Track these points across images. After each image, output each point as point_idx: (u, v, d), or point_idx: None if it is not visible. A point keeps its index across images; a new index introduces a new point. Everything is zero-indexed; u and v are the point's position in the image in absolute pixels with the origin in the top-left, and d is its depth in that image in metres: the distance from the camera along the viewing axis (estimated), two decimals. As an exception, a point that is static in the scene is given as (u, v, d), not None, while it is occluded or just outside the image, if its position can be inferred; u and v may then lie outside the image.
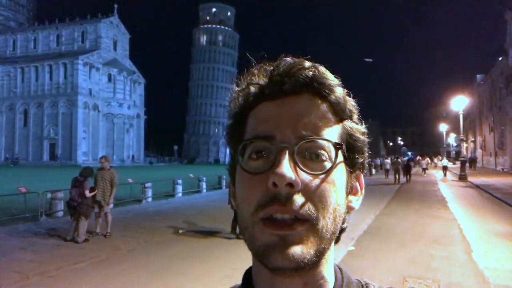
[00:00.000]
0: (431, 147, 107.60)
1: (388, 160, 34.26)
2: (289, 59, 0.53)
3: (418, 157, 55.77)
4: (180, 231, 9.24)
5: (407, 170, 25.68)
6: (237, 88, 0.55)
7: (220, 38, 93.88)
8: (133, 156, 69.30)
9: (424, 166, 37.03)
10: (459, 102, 29.56)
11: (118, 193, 13.98)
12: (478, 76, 54.86)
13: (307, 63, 0.52)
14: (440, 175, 32.31)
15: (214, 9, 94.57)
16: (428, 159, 45.80)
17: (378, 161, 43.97)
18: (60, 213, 10.85)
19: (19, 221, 9.64)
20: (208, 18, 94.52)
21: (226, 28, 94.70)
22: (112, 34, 69.89)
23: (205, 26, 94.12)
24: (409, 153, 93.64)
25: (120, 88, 69.05)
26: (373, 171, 33.94)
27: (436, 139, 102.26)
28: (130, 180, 14.03)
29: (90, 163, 55.40)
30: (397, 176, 25.22)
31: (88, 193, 8.06)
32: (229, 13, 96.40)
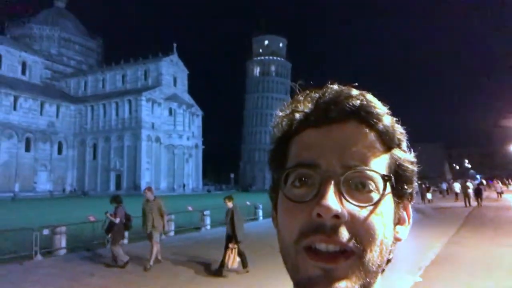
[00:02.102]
0: (502, 169, 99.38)
1: (458, 184, 32.93)
2: (335, 86, 0.52)
3: (491, 181, 51.86)
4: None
5: (477, 194, 25.23)
6: (281, 114, 0.55)
7: (272, 68, 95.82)
8: (184, 185, 71.10)
9: (499, 190, 34.40)
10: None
11: (179, 221, 14.54)
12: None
13: (354, 91, 0.51)
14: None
15: (266, 42, 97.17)
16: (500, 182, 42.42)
17: (444, 186, 41.52)
18: (125, 241, 11.38)
19: (94, 247, 10.21)
20: (260, 50, 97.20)
21: (278, 58, 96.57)
22: (172, 71, 74.16)
23: (258, 58, 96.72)
24: (478, 176, 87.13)
25: (180, 120, 72.43)
26: (429, 196, 28.67)
27: (508, 160, 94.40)
28: (190, 208, 14.45)
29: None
30: (467, 199, 24.95)
31: (115, 219, 8.42)
32: (280, 44, 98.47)
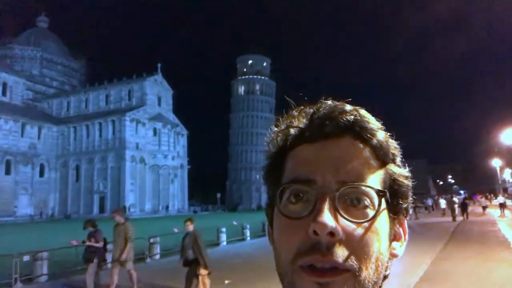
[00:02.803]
0: (484, 184, 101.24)
1: (444, 200, 33.96)
2: (329, 102, 0.52)
3: (476, 196, 53.20)
4: (226, 282, 9.08)
5: (463, 208, 26.33)
6: (276, 129, 0.55)
7: (257, 87, 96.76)
8: (167, 206, 69.81)
9: (484, 204, 35.35)
10: (510, 135, 28.09)
11: (165, 244, 14.21)
12: (529, 107, 52.08)
13: (348, 107, 0.51)
14: (497, 214, 30.22)
15: (250, 61, 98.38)
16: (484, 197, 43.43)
17: (429, 202, 41.98)
18: (109, 265, 11.06)
19: (76, 273, 9.84)
20: (245, 69, 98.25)
21: (263, 77, 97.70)
22: (156, 91, 74.04)
23: (243, 77, 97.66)
24: (462, 191, 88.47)
25: (165, 140, 71.94)
26: (410, 211, 30.07)
27: (489, 175, 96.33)
28: (176, 230, 14.16)
29: (138, 214, 56.94)
30: (453, 214, 25.74)
31: (98, 244, 8.04)
32: (264, 64, 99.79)
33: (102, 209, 64.81)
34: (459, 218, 25.59)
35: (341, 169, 0.47)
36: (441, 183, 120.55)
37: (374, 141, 0.49)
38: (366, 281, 0.45)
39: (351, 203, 0.46)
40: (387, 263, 0.49)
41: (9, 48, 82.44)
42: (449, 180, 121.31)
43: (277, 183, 0.51)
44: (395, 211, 0.51)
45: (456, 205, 26.55)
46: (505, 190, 71.16)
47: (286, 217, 0.47)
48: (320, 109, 0.51)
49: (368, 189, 0.46)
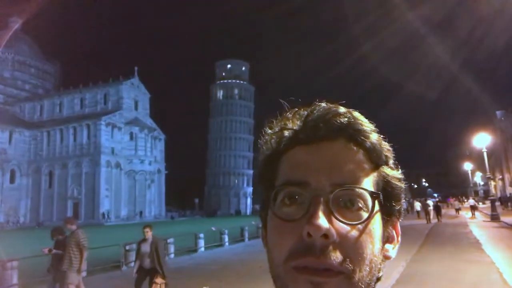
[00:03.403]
0: (457, 187, 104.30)
1: (419, 203, 35.13)
2: (323, 104, 0.53)
3: (449, 199, 55.20)
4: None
5: (437, 211, 27.44)
6: (270, 131, 0.54)
7: (236, 91, 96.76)
8: (140, 213, 68.45)
9: (457, 207, 36.69)
10: (482, 140, 29.08)
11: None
12: (498, 112, 54.22)
13: (342, 109, 0.51)
14: (468, 216, 31.32)
15: (229, 66, 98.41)
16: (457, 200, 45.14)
17: (404, 205, 43.34)
18: (84, 273, 10.74)
19: (45, 283, 9.52)
20: (224, 74, 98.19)
21: (242, 82, 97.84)
22: (133, 95, 72.92)
23: (222, 81, 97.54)
24: (435, 194, 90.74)
25: (142, 145, 70.81)
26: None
27: (461, 178, 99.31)
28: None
29: (113, 221, 55.73)
30: (427, 217, 26.75)
31: (54, 251, 7.54)
32: (243, 68, 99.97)
33: (76, 215, 62.70)
34: (434, 221, 26.58)
35: (335, 172, 0.47)
36: (415, 186, 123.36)
37: (368, 143, 0.50)
38: (360, 283, 0.45)
39: (345, 205, 0.46)
40: (380, 265, 0.49)
41: (-22, 50, 79.71)
42: (423, 183, 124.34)
43: (271, 185, 0.51)
44: (388, 213, 0.51)
45: (430, 208, 27.79)
46: (476, 193, 73.55)
47: (280, 219, 0.47)
48: (314, 111, 0.52)
49: (361, 191, 0.47)
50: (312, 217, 0.44)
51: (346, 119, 0.50)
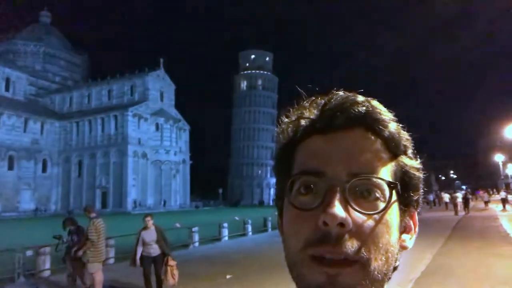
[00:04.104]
0: (486, 179, 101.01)
1: (448, 195, 35.32)
2: (341, 93, 0.52)
3: (478, 191, 54.10)
4: (228, 276, 9.11)
5: (465, 203, 27.90)
6: (286, 120, 0.54)
7: (259, 82, 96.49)
8: (164, 202, 69.88)
9: (486, 199, 36.19)
10: (514, 130, 28.00)
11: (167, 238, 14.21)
12: (532, 102, 51.80)
13: (360, 98, 0.51)
14: (499, 209, 30.50)
15: (253, 56, 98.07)
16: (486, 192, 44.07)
17: (431, 197, 42.57)
18: (111, 260, 11.13)
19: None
20: (247, 64, 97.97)
21: (265, 72, 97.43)
22: (158, 86, 73.99)
23: (245, 72, 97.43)
24: (463, 187, 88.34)
25: (167, 136, 71.97)
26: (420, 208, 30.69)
27: (492, 170, 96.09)
28: (177, 225, 14.22)
29: (138, 210, 57.16)
30: (455, 209, 27.36)
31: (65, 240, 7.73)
32: (267, 58, 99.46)
33: (104, 204, 65.06)
34: (461, 213, 26.53)
35: (351, 161, 0.47)
36: (443, 178, 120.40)
37: (386, 132, 0.49)
38: (376, 272, 0.45)
39: (362, 195, 0.46)
40: (397, 255, 0.49)
41: (12, 44, 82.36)
42: (451, 175, 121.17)
43: (288, 174, 0.50)
44: (405, 203, 0.51)
45: (458, 200, 27.93)
46: (507, 185, 71.03)
47: (296, 208, 0.47)
48: (332, 100, 0.51)
49: (379, 181, 0.46)
50: (328, 206, 0.44)
51: (364, 108, 0.49)
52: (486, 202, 35.27)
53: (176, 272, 7.45)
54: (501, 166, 71.57)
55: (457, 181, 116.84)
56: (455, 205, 27.62)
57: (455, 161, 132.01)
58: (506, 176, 77.89)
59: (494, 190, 55.88)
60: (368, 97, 0.52)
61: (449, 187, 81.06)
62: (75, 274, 7.87)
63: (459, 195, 29.72)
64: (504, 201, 31.04)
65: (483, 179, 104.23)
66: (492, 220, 22.44)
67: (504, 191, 35.74)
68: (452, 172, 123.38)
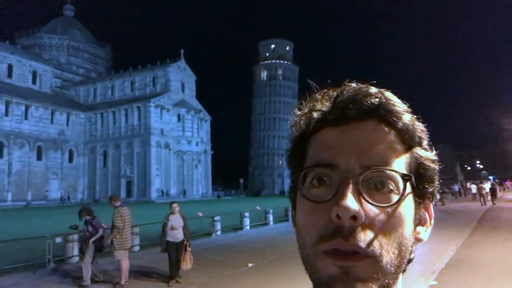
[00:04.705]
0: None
1: (475, 185, 35.39)
2: (353, 84, 0.52)
3: (506, 181, 53.39)
4: (250, 265, 9.22)
5: (492, 193, 27.89)
6: (299, 112, 0.54)
7: (279, 72, 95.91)
8: (184, 191, 70.80)
9: None
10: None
11: (189, 227, 14.45)
12: None
13: (373, 89, 0.50)
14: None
15: (273, 46, 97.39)
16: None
17: (456, 187, 41.60)
18: (137, 248, 11.43)
19: (106, 255, 10.18)
20: (267, 54, 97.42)
21: (285, 62, 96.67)
22: (180, 77, 74.61)
23: (265, 62, 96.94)
24: (490, 177, 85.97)
25: (189, 126, 72.74)
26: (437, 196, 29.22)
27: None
28: (200, 214, 14.45)
29: (163, 199, 58.26)
30: (482, 199, 27.44)
31: (98, 232, 7.77)
32: (287, 48, 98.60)
33: (129, 193, 66.63)
34: (489, 204, 26.40)
35: (365, 153, 0.47)
36: (469, 168, 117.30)
37: (400, 124, 0.49)
38: (389, 266, 0.45)
39: (375, 187, 0.45)
40: (411, 247, 0.49)
41: (37, 37, 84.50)
42: (477, 165, 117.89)
43: (300, 167, 0.50)
44: (420, 195, 0.50)
45: (486, 191, 27.84)
46: (537, 176, 68.58)
47: (309, 201, 0.47)
48: (344, 92, 0.51)
49: (392, 173, 0.46)
50: (341, 199, 0.44)
51: (377, 99, 0.49)
52: None
53: (192, 257, 7.84)
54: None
55: (483, 172, 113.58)
56: (482, 196, 27.51)
57: (481, 151, 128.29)
58: (536, 166, 75.11)
59: (522, 180, 54.25)
60: (382, 88, 0.51)
61: (475, 177, 78.97)
62: (93, 263, 8.01)
63: (487, 186, 29.62)
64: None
65: (511, 170, 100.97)
66: (521, 211, 21.81)
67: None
68: (478, 162, 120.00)
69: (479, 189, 29.43)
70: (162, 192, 65.50)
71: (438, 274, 7.57)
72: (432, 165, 0.51)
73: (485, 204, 26.42)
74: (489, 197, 27.97)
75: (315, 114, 0.52)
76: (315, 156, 0.49)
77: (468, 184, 44.80)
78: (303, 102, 0.55)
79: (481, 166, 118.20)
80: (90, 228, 7.84)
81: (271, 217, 18.64)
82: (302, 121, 0.53)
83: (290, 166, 0.55)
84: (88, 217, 7.96)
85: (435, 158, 0.52)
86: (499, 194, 31.57)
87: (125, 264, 7.58)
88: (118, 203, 7.69)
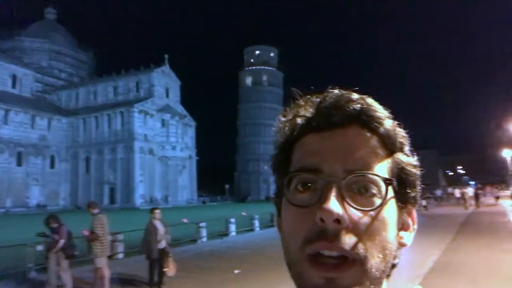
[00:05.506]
0: (494, 175, 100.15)
1: (458, 190, 36.90)
2: (336, 91, 0.52)
3: (487, 187, 55.57)
4: (236, 271, 9.15)
5: (475, 198, 29.27)
6: (283, 119, 0.55)
7: (264, 78, 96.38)
8: (166, 197, 70.16)
9: (497, 194, 37.36)
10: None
11: (174, 234, 14.31)
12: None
13: (355, 95, 0.51)
14: (508, 204, 30.52)
15: (257, 52, 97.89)
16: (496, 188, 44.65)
17: (438, 192, 42.69)
18: (121, 255, 11.22)
19: (85, 263, 9.96)
20: (252, 60, 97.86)
21: (270, 68, 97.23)
22: (164, 82, 74.13)
23: (250, 68, 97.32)
24: (471, 182, 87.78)
25: (173, 132, 72.22)
26: (424, 202, 28.09)
27: (500, 166, 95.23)
28: (185, 220, 14.31)
29: (147, 205, 57.53)
30: (465, 204, 28.59)
31: (59, 240, 7.52)
32: (272, 54, 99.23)
33: (112, 200, 65.59)
34: (471, 208, 27.56)
35: (348, 158, 0.47)
36: (451, 174, 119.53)
37: (381, 129, 0.49)
38: (374, 270, 0.45)
39: (359, 191, 0.46)
40: (395, 252, 0.49)
41: (18, 40, 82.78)
42: (459, 171, 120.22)
43: (285, 172, 0.51)
44: (403, 200, 0.51)
45: (467, 196, 29.22)
46: (515, 181, 70.34)
47: (294, 206, 0.47)
48: (327, 98, 0.51)
49: (375, 178, 0.46)
50: (324, 203, 0.44)
51: (359, 105, 0.49)
52: (497, 197, 35.62)
53: (175, 263, 7.74)
54: (509, 161, 70.91)
55: (465, 177, 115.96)
56: (465, 200, 28.73)
57: (463, 157, 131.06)
58: (515, 171, 77.10)
59: (503, 186, 55.65)
60: (364, 94, 0.52)
61: (458, 182, 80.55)
62: (58, 271, 7.78)
63: (470, 190, 31.04)
64: (512, 197, 31.51)
65: (492, 175, 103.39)
66: (501, 215, 22.28)
67: (512, 187, 36.06)
68: (460, 167, 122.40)
69: (462, 194, 30.59)
70: (147, 198, 64.66)
71: (423, 278, 7.64)
72: (414, 170, 0.52)
73: (467, 208, 27.32)
74: (472, 202, 29.01)
75: (299, 120, 0.52)
76: (299, 161, 0.50)
77: (450, 189, 46.06)
78: (287, 108, 0.55)
79: (463, 172, 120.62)
80: (56, 236, 7.66)
81: (257, 223, 18.57)
82: (286, 127, 0.53)
83: (274, 172, 0.55)
84: (55, 225, 7.72)
85: (416, 163, 0.53)
86: (482, 198, 32.79)
87: (107, 272, 7.48)
88: (96, 210, 7.62)
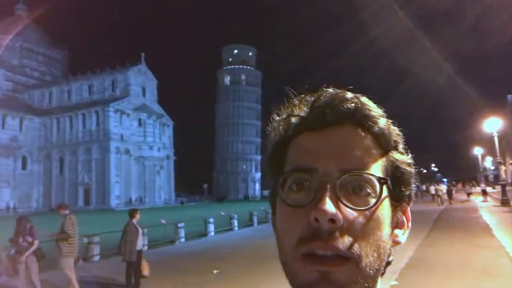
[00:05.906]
0: (466, 171, 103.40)
1: (433, 187, 37.67)
2: (330, 90, 0.52)
3: (459, 184, 57.84)
4: (215, 272, 9.09)
5: (449, 194, 30.62)
6: (277, 118, 0.55)
7: (243, 77, 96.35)
8: (140, 198, 68.61)
9: (468, 191, 37.99)
10: (492, 124, 28.67)
11: (152, 235, 14.15)
12: (509, 96, 53.34)
13: (349, 94, 0.51)
14: (479, 200, 31.73)
15: (236, 51, 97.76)
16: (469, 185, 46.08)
17: (414, 190, 44.79)
18: (97, 257, 10.98)
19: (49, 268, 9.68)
20: (230, 59, 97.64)
21: (248, 67, 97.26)
22: (140, 81, 73.01)
23: (228, 67, 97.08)
24: (444, 179, 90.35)
25: (150, 131, 71.22)
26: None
27: (471, 163, 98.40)
28: (163, 221, 14.13)
29: (123, 206, 56.51)
30: (439, 200, 29.73)
31: (34, 241, 7.39)
32: (250, 53, 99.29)
33: (87, 201, 64.11)
34: (445, 204, 28.56)
35: (342, 157, 0.47)
36: (425, 171, 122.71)
37: (376, 128, 0.49)
38: (368, 269, 0.45)
39: (353, 191, 0.46)
40: (390, 250, 0.49)
41: (-14, 38, 79.94)
42: (433, 168, 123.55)
43: (280, 172, 0.51)
44: (397, 199, 0.51)
45: (441, 192, 30.38)
46: (486, 177, 72.92)
47: (288, 206, 0.47)
48: (321, 97, 0.51)
49: (369, 177, 0.46)
50: (319, 202, 0.44)
51: (353, 104, 0.49)
52: (469, 194, 36.64)
53: (147, 263, 7.82)
54: (480, 159, 73.41)
55: (438, 174, 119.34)
56: (439, 196, 29.79)
57: (435, 155, 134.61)
58: (485, 168, 79.93)
59: (474, 182, 57.59)
60: (358, 93, 0.52)
61: (431, 180, 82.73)
62: (28, 273, 7.59)
63: (443, 187, 32.35)
64: (484, 192, 32.85)
65: (463, 172, 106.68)
66: (473, 211, 23.00)
67: (484, 183, 37.31)
68: (433, 165, 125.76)
69: (436, 191, 31.66)
70: (131, 200, 63.55)
71: (399, 274, 7.78)
72: (408, 168, 0.52)
73: (442, 204, 28.31)
74: (446, 197, 30.18)
75: (293, 119, 0.52)
76: (294, 160, 0.50)
77: (424, 187, 47.64)
78: (281, 107, 0.55)
79: (436, 169, 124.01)
80: (29, 238, 7.48)
81: (236, 222, 18.54)
82: (280, 127, 0.53)
83: (269, 171, 0.55)
84: (27, 226, 7.51)
85: (411, 161, 0.53)
86: (455, 195, 34.23)
87: (74, 273, 7.41)
88: (66, 212, 7.57)
